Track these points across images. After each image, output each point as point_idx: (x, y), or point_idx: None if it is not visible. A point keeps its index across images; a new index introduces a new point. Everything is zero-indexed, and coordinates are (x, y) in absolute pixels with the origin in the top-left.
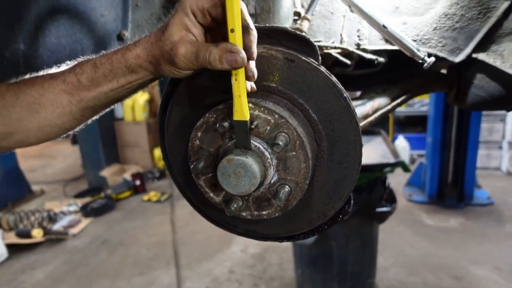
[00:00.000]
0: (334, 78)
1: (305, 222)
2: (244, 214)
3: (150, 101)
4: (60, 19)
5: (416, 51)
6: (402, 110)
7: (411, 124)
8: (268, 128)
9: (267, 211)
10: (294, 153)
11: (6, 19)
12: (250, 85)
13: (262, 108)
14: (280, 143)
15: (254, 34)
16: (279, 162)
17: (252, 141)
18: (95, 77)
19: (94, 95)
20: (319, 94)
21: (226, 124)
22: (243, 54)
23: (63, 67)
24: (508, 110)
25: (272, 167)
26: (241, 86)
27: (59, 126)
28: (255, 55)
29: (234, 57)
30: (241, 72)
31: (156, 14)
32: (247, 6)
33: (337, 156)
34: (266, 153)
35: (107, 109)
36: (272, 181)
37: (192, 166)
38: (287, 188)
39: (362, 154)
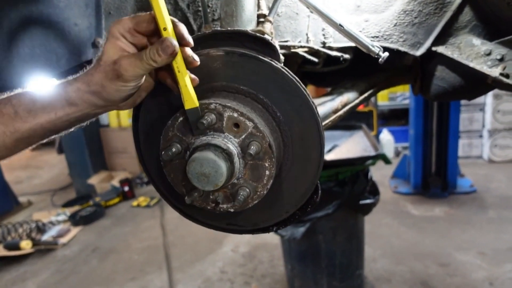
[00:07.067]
0: (296, 78)
1: (277, 213)
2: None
3: None
4: (34, 30)
5: (371, 47)
6: (386, 104)
7: (395, 118)
8: (244, 135)
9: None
10: (260, 162)
11: None
12: (193, 77)
13: (250, 122)
14: (251, 152)
15: (182, 25)
16: (246, 167)
17: (227, 142)
18: (33, 109)
19: (30, 127)
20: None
21: (208, 120)
22: (172, 40)
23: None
24: (469, 99)
25: (238, 173)
26: (184, 75)
27: None
28: (190, 40)
29: (165, 44)
30: (180, 63)
31: None
32: (215, 12)
33: (302, 153)
34: (237, 161)
35: (42, 141)
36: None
37: (163, 152)
38: (247, 191)
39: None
